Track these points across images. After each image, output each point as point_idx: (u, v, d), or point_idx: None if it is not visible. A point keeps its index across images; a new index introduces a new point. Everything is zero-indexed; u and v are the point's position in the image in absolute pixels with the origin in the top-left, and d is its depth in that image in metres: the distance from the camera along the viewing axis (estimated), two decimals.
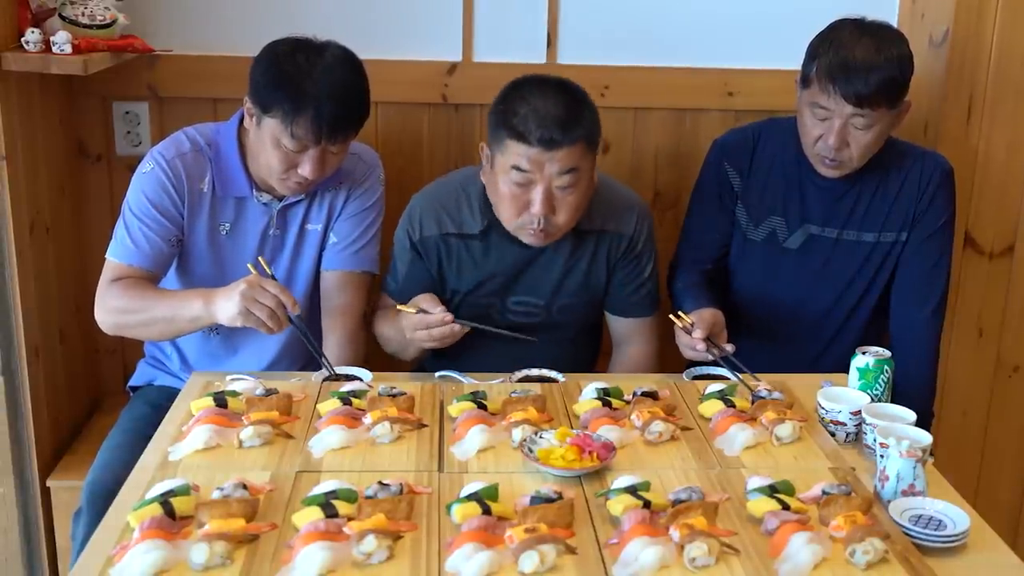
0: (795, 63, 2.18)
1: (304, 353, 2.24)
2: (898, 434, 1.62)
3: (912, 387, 2.12)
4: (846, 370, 1.92)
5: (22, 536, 2.37)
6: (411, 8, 2.57)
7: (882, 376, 1.87)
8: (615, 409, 1.82)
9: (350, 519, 1.43)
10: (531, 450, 1.65)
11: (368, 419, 1.74)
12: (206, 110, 2.54)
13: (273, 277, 1.97)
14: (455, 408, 1.82)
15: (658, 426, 1.73)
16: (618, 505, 1.48)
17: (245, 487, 1.49)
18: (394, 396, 1.81)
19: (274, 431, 1.72)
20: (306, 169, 2.02)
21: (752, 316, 2.33)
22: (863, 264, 2.27)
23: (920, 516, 1.53)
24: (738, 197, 2.31)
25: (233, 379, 1.94)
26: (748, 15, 2.64)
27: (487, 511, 1.46)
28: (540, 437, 1.68)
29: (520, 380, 2.00)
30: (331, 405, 1.79)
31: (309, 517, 1.43)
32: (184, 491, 1.48)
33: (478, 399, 1.83)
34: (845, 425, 1.80)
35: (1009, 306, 2.74)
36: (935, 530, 1.49)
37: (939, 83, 2.57)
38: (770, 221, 2.29)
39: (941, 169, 2.24)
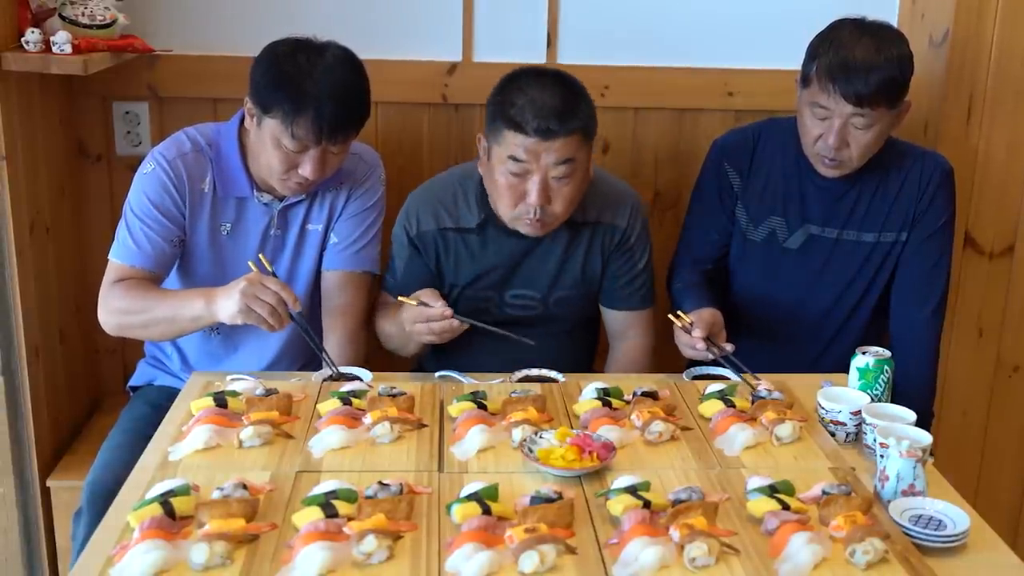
0: (795, 63, 2.18)
1: (304, 353, 2.25)
2: (898, 434, 1.62)
3: (912, 387, 2.12)
4: (846, 370, 1.92)
5: (22, 536, 2.37)
6: (411, 8, 2.57)
7: (882, 376, 1.87)
8: (615, 409, 1.82)
9: (350, 519, 1.43)
10: (531, 450, 1.65)
11: (368, 419, 1.74)
12: (206, 110, 2.54)
13: (274, 274, 1.97)
14: (455, 408, 1.82)
15: (658, 426, 1.73)
16: (618, 505, 1.48)
17: (245, 487, 1.49)
18: (394, 396, 1.81)
19: (274, 431, 1.72)
20: (306, 169, 2.02)
21: (752, 316, 2.33)
22: (863, 264, 2.27)
23: (920, 516, 1.53)
24: (738, 197, 2.31)
25: (233, 379, 1.94)
26: (748, 15, 2.64)
27: (487, 511, 1.46)
28: (540, 437, 1.68)
29: (520, 380, 2.01)
30: (331, 405, 1.79)
31: (309, 517, 1.43)
32: (184, 491, 1.48)
33: (478, 399, 1.83)
34: (845, 425, 1.80)
35: (1009, 306, 2.74)
36: (935, 530, 1.49)
37: (939, 83, 2.57)
38: (770, 221, 2.29)
39: (941, 169, 2.24)
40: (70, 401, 2.54)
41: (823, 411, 1.83)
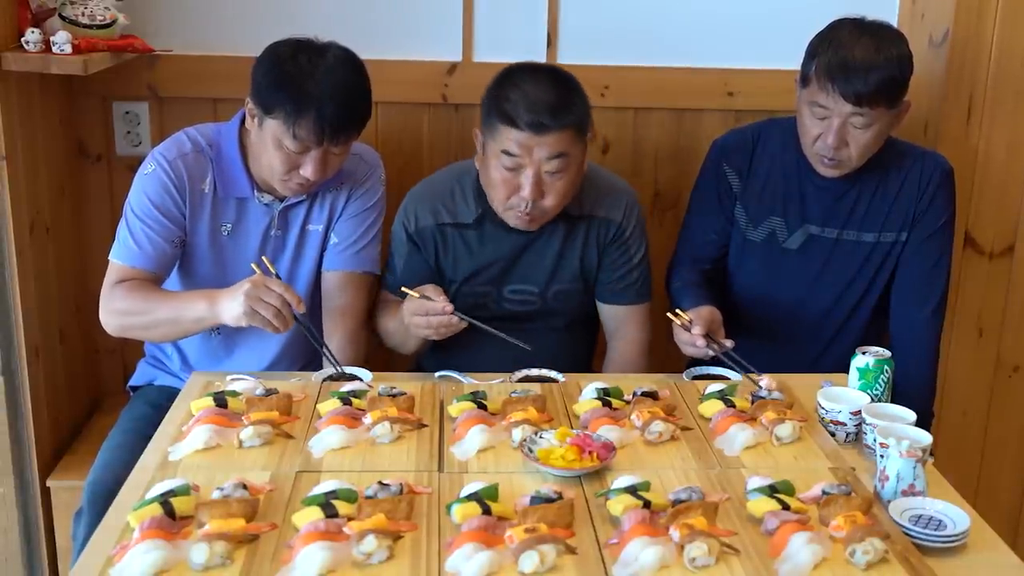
0: (795, 63, 2.18)
1: (304, 353, 2.25)
2: (898, 434, 1.62)
3: (912, 387, 2.12)
4: (846, 370, 1.92)
5: (22, 536, 2.37)
6: (411, 8, 2.57)
7: (882, 376, 1.87)
8: (615, 409, 1.82)
9: (350, 519, 1.43)
10: (531, 450, 1.65)
11: (368, 419, 1.74)
12: (206, 110, 2.54)
13: (277, 276, 1.97)
14: (455, 408, 1.82)
15: (658, 426, 1.73)
16: (618, 505, 1.48)
17: (245, 487, 1.49)
18: (394, 396, 1.81)
19: (274, 431, 1.72)
20: (308, 170, 2.02)
21: (752, 316, 2.33)
22: (863, 264, 2.27)
23: (920, 516, 1.53)
24: (737, 198, 2.31)
25: (233, 379, 1.94)
26: (748, 15, 2.64)
27: (487, 511, 1.46)
28: (540, 437, 1.68)
29: (520, 380, 2.01)
30: (331, 405, 1.79)
31: (309, 517, 1.43)
32: (184, 491, 1.48)
33: (478, 399, 1.83)
34: (845, 425, 1.80)
35: (1009, 306, 2.74)
36: (935, 530, 1.49)
37: (939, 83, 2.57)
38: (770, 221, 2.29)
39: (941, 169, 2.24)
40: (70, 401, 2.54)
41: (823, 411, 1.83)
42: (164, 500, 1.45)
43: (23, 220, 2.24)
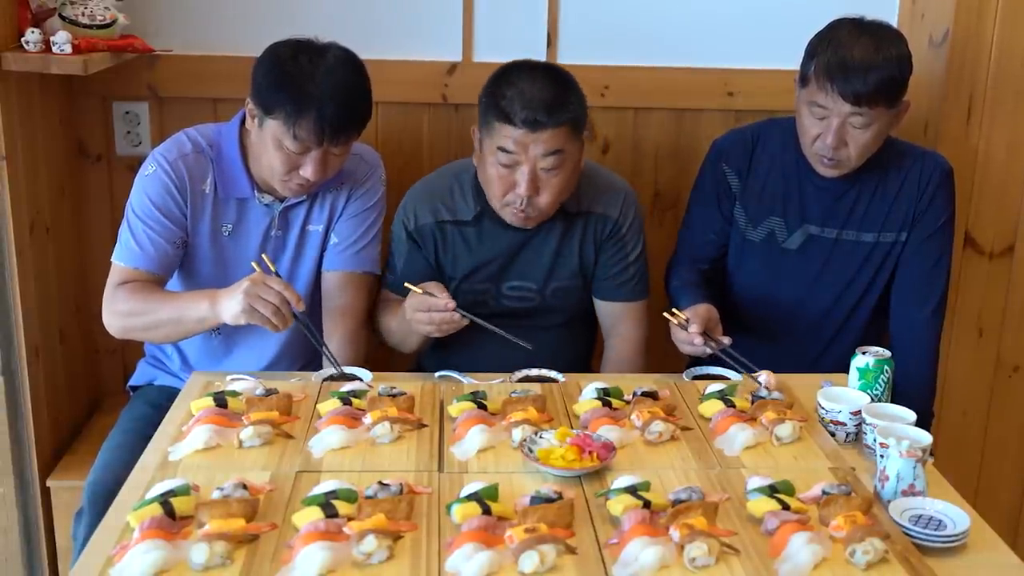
0: (795, 63, 2.18)
1: (304, 353, 2.25)
2: (898, 434, 1.62)
3: (912, 387, 2.12)
4: (846, 370, 1.92)
5: (22, 536, 2.37)
6: (411, 8, 2.57)
7: (882, 376, 1.87)
8: (615, 409, 1.82)
9: (350, 519, 1.43)
10: (531, 450, 1.65)
11: (368, 419, 1.74)
12: (206, 110, 2.54)
13: (278, 274, 1.97)
14: (455, 408, 1.82)
15: (658, 426, 1.73)
16: (618, 505, 1.48)
17: (245, 487, 1.49)
18: (394, 396, 1.81)
19: (274, 431, 1.72)
20: (308, 171, 2.02)
21: (752, 316, 2.33)
22: (863, 264, 2.27)
23: (920, 516, 1.53)
24: (736, 198, 2.31)
25: (233, 379, 1.94)
26: (748, 15, 2.64)
27: (487, 511, 1.46)
28: (540, 437, 1.68)
29: (520, 380, 2.01)
30: (331, 405, 1.79)
31: (309, 517, 1.43)
32: (184, 491, 1.48)
33: (478, 399, 1.83)
34: (845, 425, 1.80)
35: (1009, 306, 2.74)
36: (935, 530, 1.49)
37: (939, 83, 2.57)
38: (769, 222, 2.29)
39: (941, 169, 2.24)
40: (70, 401, 2.54)
41: (823, 411, 1.83)
42: (164, 500, 1.45)
43: (23, 220, 2.24)
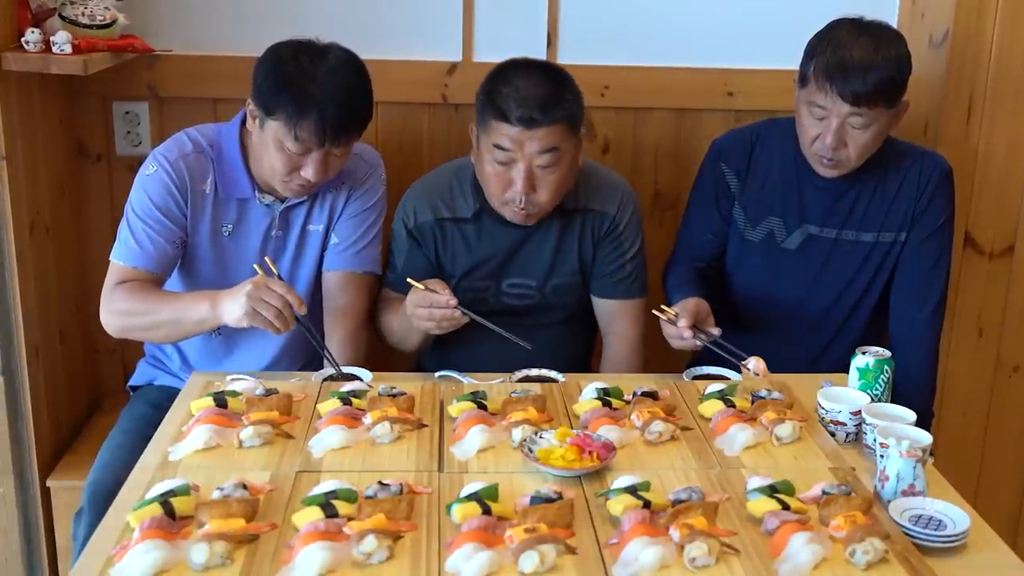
0: (795, 63, 2.17)
1: (304, 353, 2.25)
2: (898, 434, 1.62)
3: (912, 387, 2.11)
4: (846, 370, 1.92)
5: (22, 536, 2.37)
6: (411, 8, 2.57)
7: (882, 376, 1.87)
8: (615, 409, 1.82)
9: (350, 519, 1.43)
10: (531, 450, 1.65)
11: (368, 419, 1.74)
12: (206, 110, 2.54)
13: (280, 277, 1.97)
14: (455, 408, 1.82)
15: (658, 426, 1.73)
16: (618, 505, 1.48)
17: (245, 487, 1.49)
18: (394, 396, 1.81)
19: (274, 431, 1.72)
20: (309, 172, 2.02)
21: (751, 316, 2.33)
22: (862, 264, 2.27)
23: (920, 516, 1.53)
24: (735, 198, 2.31)
25: (233, 379, 1.94)
26: (748, 15, 2.64)
27: (487, 511, 1.46)
28: (540, 437, 1.68)
29: (520, 380, 2.01)
30: (331, 405, 1.79)
31: (309, 517, 1.43)
32: (184, 491, 1.48)
33: (478, 399, 1.83)
34: (845, 425, 1.80)
35: (1009, 306, 2.74)
36: (935, 530, 1.49)
37: (939, 83, 2.57)
38: (768, 221, 2.29)
39: (940, 169, 2.24)
40: (70, 401, 2.54)
41: (823, 411, 1.83)
42: (164, 500, 1.45)
43: (23, 220, 2.24)
